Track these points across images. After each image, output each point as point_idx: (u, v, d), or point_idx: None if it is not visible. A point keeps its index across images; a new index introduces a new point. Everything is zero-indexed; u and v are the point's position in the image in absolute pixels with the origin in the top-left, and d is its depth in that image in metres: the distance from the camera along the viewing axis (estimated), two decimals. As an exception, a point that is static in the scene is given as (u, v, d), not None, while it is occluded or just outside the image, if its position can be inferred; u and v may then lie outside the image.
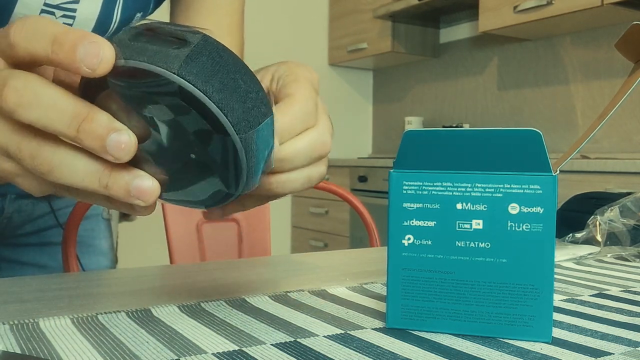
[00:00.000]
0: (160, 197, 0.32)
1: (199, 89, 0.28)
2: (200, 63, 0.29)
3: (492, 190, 0.36)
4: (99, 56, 0.27)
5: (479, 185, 0.36)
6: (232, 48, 0.73)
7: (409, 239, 0.37)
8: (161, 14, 0.83)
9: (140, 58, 0.28)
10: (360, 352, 0.33)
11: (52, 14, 0.59)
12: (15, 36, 0.29)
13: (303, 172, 0.37)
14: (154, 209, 0.33)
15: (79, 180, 0.30)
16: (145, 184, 0.30)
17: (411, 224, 0.37)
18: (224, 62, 0.30)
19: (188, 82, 0.28)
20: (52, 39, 0.28)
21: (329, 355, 0.32)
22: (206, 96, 0.28)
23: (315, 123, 0.37)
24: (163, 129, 0.30)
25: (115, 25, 0.66)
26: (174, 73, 0.28)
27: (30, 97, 0.28)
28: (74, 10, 0.60)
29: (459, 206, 0.36)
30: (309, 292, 0.47)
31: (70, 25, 0.60)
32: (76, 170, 0.30)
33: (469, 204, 0.36)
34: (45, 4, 0.58)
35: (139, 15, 0.68)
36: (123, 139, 0.28)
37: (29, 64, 0.30)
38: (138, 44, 0.28)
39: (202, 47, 0.29)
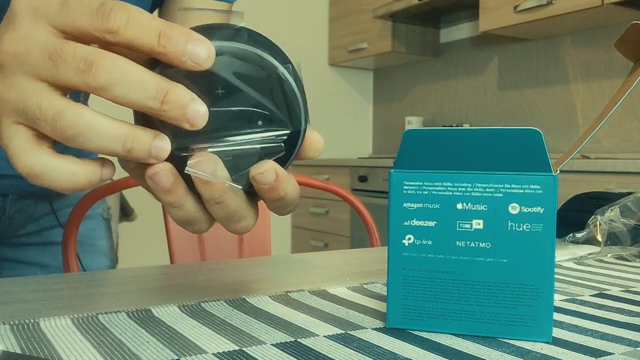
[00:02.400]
0: (208, 147, 0.34)
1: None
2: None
3: (493, 190, 0.36)
4: (207, 54, 0.31)
5: (479, 185, 0.36)
6: None
7: (409, 238, 0.37)
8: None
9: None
10: (360, 352, 0.33)
11: None
12: (117, 23, 0.30)
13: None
14: (176, 195, 0.34)
15: (104, 145, 0.32)
16: (164, 144, 0.32)
17: (411, 223, 0.37)
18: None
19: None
20: (159, 33, 0.30)
21: (329, 355, 0.32)
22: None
23: None
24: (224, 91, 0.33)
25: None
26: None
27: (119, 75, 0.30)
28: None
29: (459, 206, 0.36)
30: (309, 292, 0.47)
31: None
32: (101, 134, 0.31)
33: (469, 204, 0.36)
34: None
35: None
36: (201, 109, 0.32)
37: (106, 45, 0.32)
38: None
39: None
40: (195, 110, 0.31)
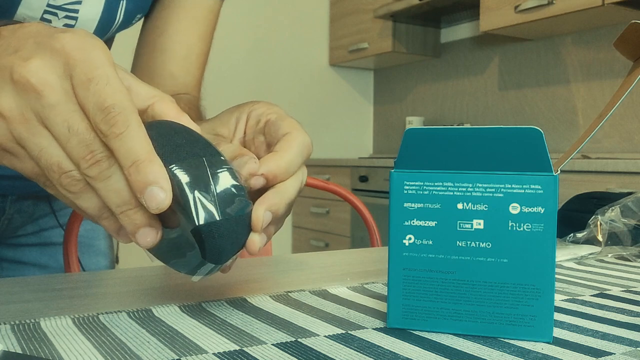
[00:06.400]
0: (153, 251, 0.38)
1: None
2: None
3: (493, 190, 0.36)
4: (159, 204, 0.33)
5: (480, 185, 0.36)
6: (201, 54, 0.73)
7: (409, 238, 0.37)
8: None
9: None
10: (361, 352, 0.33)
11: (55, 14, 0.59)
12: (111, 130, 0.33)
13: (297, 178, 0.42)
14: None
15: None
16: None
17: (412, 223, 0.37)
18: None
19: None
20: (133, 161, 0.33)
21: (330, 355, 0.32)
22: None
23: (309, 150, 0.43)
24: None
25: (117, 27, 0.66)
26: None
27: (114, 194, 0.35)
28: (77, 12, 0.60)
29: (459, 206, 0.36)
30: (309, 292, 0.47)
31: (73, 26, 0.61)
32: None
33: (469, 204, 0.36)
34: (49, 5, 0.58)
35: (138, 16, 0.68)
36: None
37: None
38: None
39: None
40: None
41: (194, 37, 0.72)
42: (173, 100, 0.38)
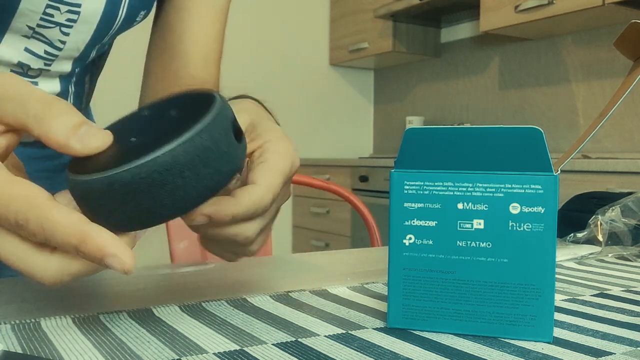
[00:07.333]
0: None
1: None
2: None
3: (493, 190, 0.36)
4: (123, 267, 0.31)
5: (480, 185, 0.36)
6: (217, 52, 0.74)
7: (410, 238, 0.37)
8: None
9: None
10: (361, 352, 0.33)
11: (57, 9, 0.59)
12: (29, 232, 0.30)
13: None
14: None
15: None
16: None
17: (412, 223, 0.37)
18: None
19: None
20: (78, 242, 0.30)
21: (330, 355, 0.32)
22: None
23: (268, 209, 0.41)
24: None
25: (120, 22, 0.66)
26: None
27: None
28: (79, 6, 0.60)
29: (460, 206, 0.36)
30: (310, 291, 0.47)
31: (75, 20, 0.60)
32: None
33: (470, 204, 0.36)
34: None
35: (142, 13, 0.68)
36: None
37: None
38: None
39: None
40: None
41: (210, 38, 0.73)
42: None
